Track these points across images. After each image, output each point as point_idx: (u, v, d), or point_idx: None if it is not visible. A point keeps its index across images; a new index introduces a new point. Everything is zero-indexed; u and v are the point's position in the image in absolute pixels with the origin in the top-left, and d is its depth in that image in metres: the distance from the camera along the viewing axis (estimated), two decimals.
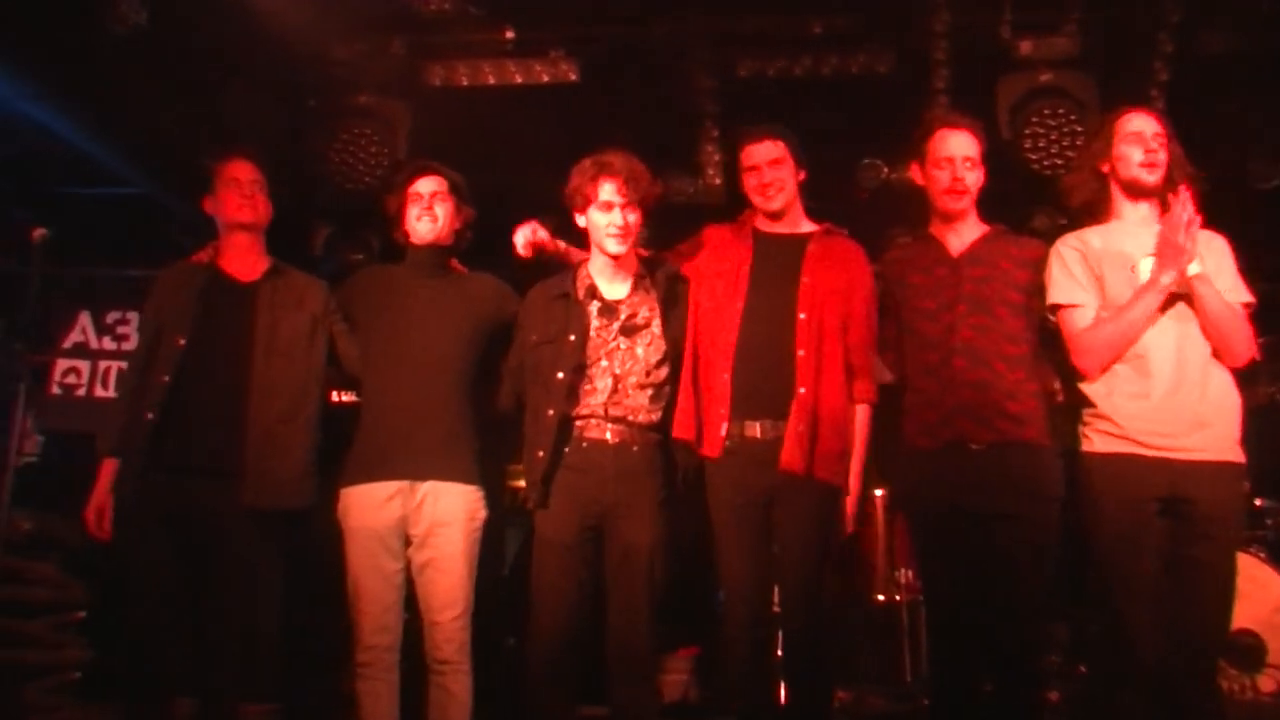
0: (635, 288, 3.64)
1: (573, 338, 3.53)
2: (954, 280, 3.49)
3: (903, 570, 4.72)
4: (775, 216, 3.62)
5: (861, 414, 3.54)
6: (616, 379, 3.53)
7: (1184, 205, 3.20)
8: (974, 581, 3.33)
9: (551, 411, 3.50)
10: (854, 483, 3.50)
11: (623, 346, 3.56)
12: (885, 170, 5.34)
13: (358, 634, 3.59)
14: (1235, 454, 3.22)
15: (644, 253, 3.74)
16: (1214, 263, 3.30)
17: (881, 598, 4.73)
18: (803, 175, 3.64)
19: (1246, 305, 3.31)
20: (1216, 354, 3.25)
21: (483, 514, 3.68)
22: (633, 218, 3.55)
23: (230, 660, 3.56)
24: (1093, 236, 3.42)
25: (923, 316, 3.52)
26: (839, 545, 3.60)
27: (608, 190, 3.51)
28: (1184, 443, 3.16)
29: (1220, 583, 3.18)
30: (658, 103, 5.18)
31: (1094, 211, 3.47)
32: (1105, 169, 3.40)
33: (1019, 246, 3.56)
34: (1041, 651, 3.52)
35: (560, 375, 3.51)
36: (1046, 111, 5.02)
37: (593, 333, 3.56)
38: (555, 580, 3.46)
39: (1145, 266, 3.29)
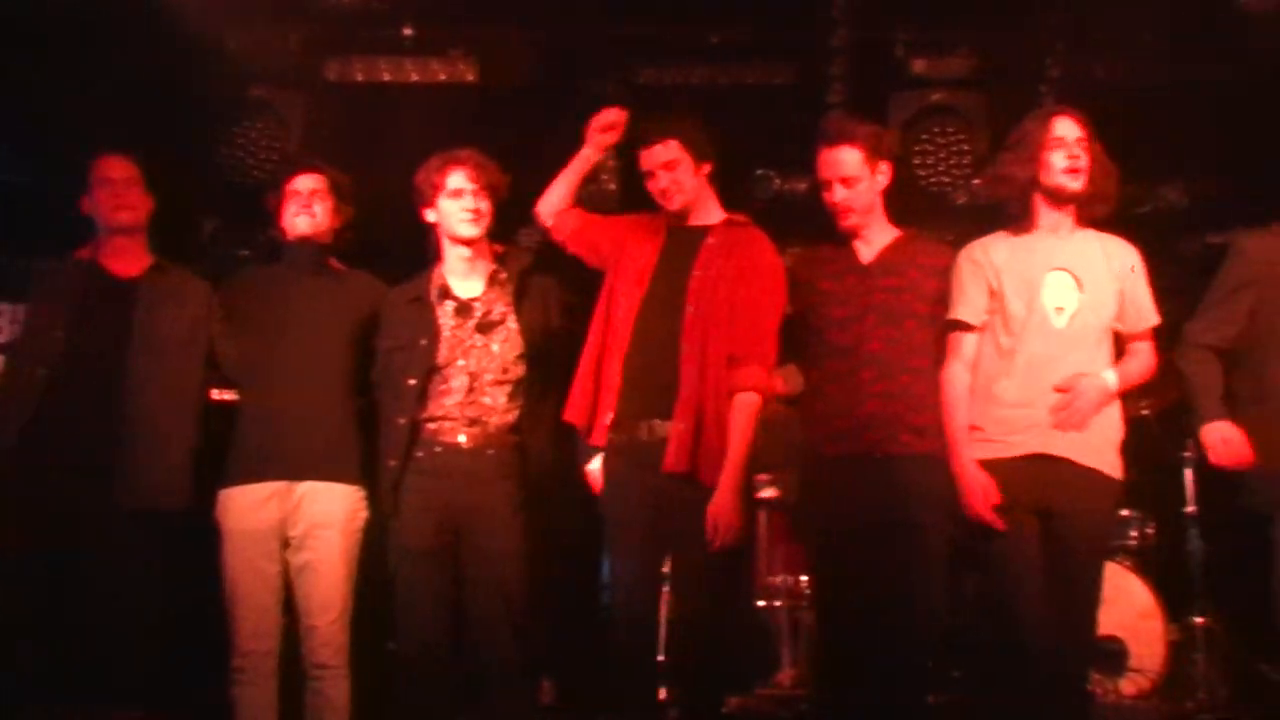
0: (490, 284, 3.62)
1: (424, 342, 3.51)
2: (864, 289, 3.46)
3: (784, 575, 4.76)
4: (680, 216, 3.57)
5: (742, 403, 3.34)
6: (473, 377, 3.50)
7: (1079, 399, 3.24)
8: (867, 589, 3.34)
9: (403, 420, 3.47)
10: (726, 478, 3.30)
11: (479, 344, 3.54)
12: (777, 182, 5.41)
13: (234, 639, 3.52)
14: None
15: (498, 248, 3.73)
16: (1130, 283, 3.36)
17: (762, 603, 4.77)
18: (707, 167, 3.55)
19: (1153, 329, 3.39)
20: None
21: (364, 515, 3.62)
22: (484, 204, 3.55)
23: (98, 665, 3.46)
24: (998, 248, 3.41)
25: (833, 325, 3.49)
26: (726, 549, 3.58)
27: (457, 178, 3.52)
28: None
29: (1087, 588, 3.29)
30: (555, 106, 5.18)
31: (1012, 218, 3.46)
32: (1028, 174, 3.36)
33: (929, 254, 3.53)
34: (928, 659, 3.53)
35: (412, 382, 3.48)
36: (936, 129, 5.15)
37: (448, 333, 3.53)
38: (415, 590, 3.44)
39: (1050, 282, 3.31)
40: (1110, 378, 3.27)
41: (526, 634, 3.49)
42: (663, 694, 3.75)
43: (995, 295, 3.35)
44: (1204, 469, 4.85)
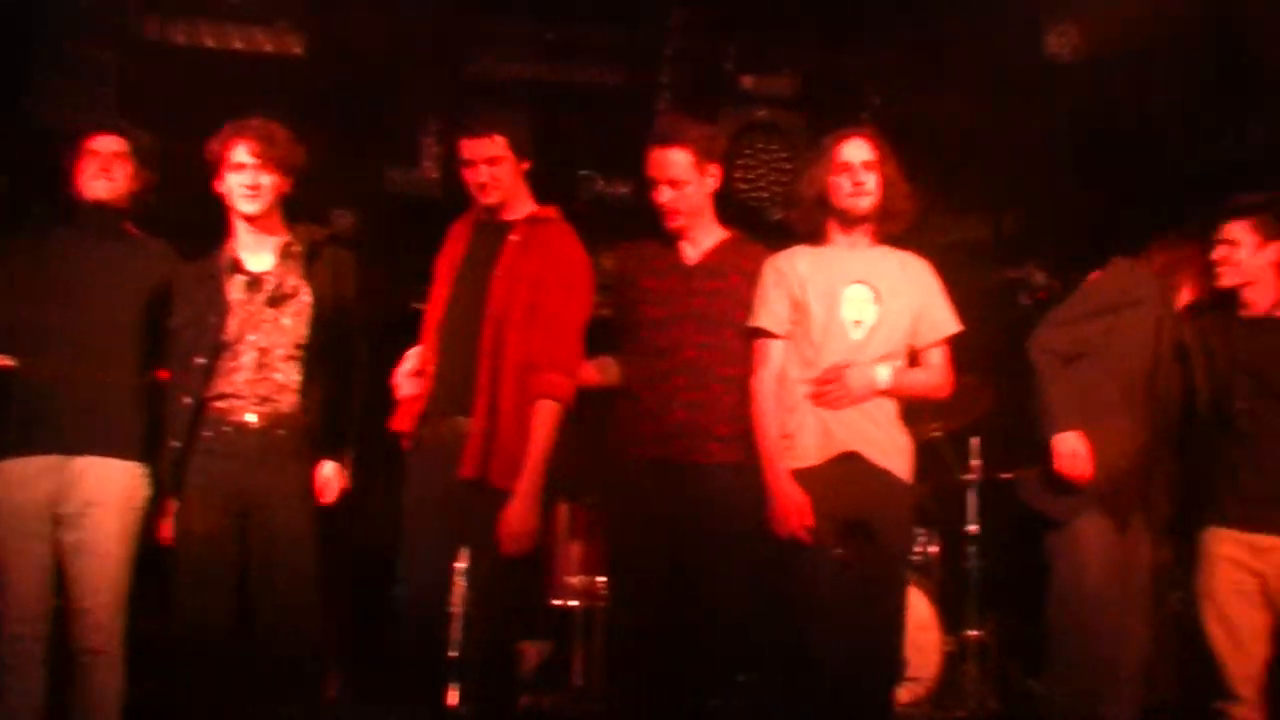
0: (282, 257, 3.52)
1: (213, 319, 3.40)
2: (685, 291, 3.47)
3: (581, 575, 4.79)
4: (491, 212, 3.52)
5: (541, 410, 3.28)
6: (263, 352, 3.41)
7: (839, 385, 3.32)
8: (664, 594, 3.36)
9: (188, 399, 3.36)
10: (521, 486, 3.24)
11: (269, 319, 3.44)
12: (601, 183, 5.44)
13: (1, 623, 3.33)
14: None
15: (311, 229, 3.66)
16: (923, 298, 3.46)
17: (558, 603, 4.78)
18: (526, 165, 3.52)
19: (951, 337, 3.49)
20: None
21: (144, 494, 3.46)
22: (266, 179, 3.45)
23: None
24: (802, 259, 3.46)
25: (651, 325, 3.49)
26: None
27: (240, 151, 3.42)
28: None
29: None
30: (381, 90, 5.09)
31: (812, 234, 3.52)
32: (815, 195, 3.44)
33: (752, 258, 3.52)
34: (719, 664, 3.57)
35: (200, 360, 3.38)
36: (760, 145, 5.26)
37: (237, 308, 3.43)
38: (195, 574, 3.33)
39: (849, 295, 3.40)
40: (882, 373, 3.35)
41: (314, 622, 3.40)
42: (454, 693, 3.71)
43: (798, 306, 3.41)
44: (986, 489, 5.12)
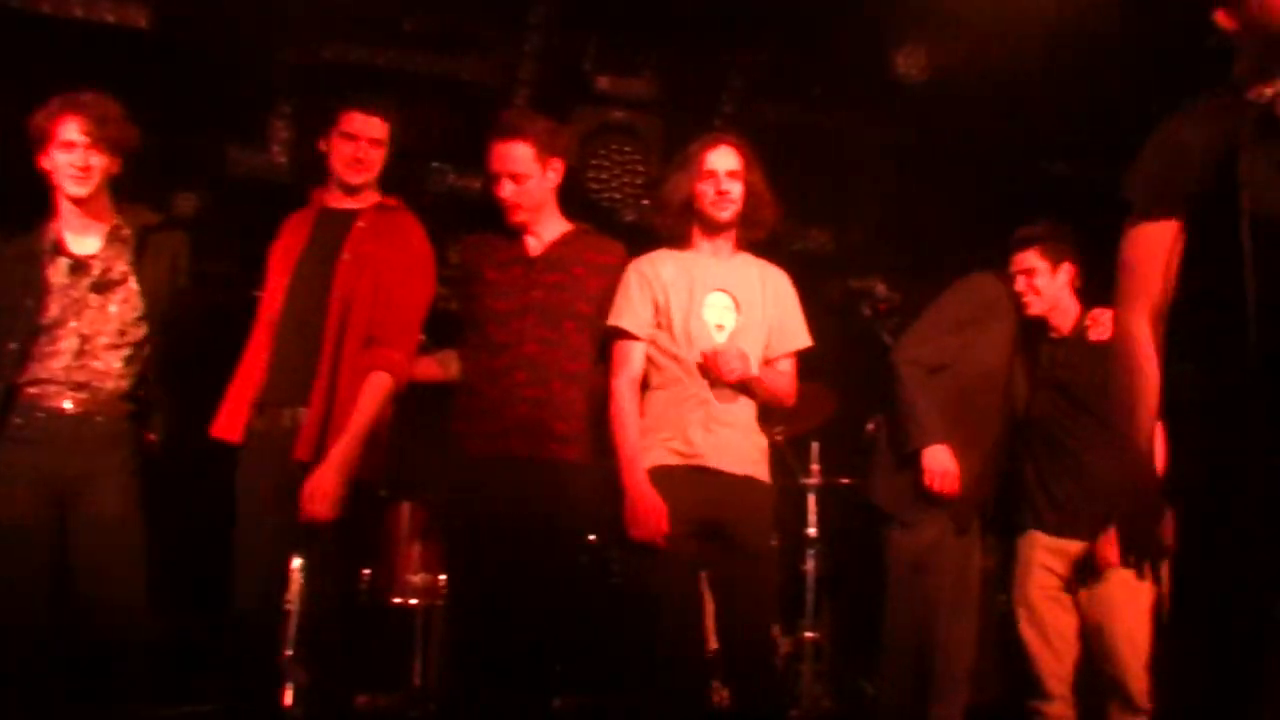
0: (109, 241, 3.39)
1: (30, 302, 3.25)
2: (527, 284, 3.42)
3: (423, 573, 4.72)
4: (351, 191, 3.45)
5: (372, 382, 3.23)
6: (84, 339, 3.27)
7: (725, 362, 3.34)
8: (501, 593, 3.31)
9: None
10: (335, 450, 3.15)
11: (94, 305, 3.31)
12: (452, 176, 5.38)
13: None
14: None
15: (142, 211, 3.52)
16: (779, 309, 3.51)
17: (398, 600, 4.71)
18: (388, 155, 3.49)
19: (801, 351, 3.55)
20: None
21: None
22: (96, 160, 3.31)
23: None
24: (666, 263, 3.47)
25: (493, 318, 3.43)
26: (360, 542, 3.47)
27: (70, 129, 3.27)
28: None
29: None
30: (231, 70, 4.92)
31: (675, 239, 3.53)
32: (680, 200, 3.46)
33: (598, 250, 3.52)
34: (557, 664, 3.56)
35: (12, 346, 3.21)
36: (614, 147, 5.27)
37: (59, 292, 3.29)
38: (10, 570, 3.17)
39: (711, 301, 3.43)
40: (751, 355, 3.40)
41: (140, 610, 3.27)
42: (289, 693, 3.61)
43: (660, 310, 3.42)
44: (824, 494, 5.24)
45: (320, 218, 3.46)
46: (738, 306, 3.45)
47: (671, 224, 3.52)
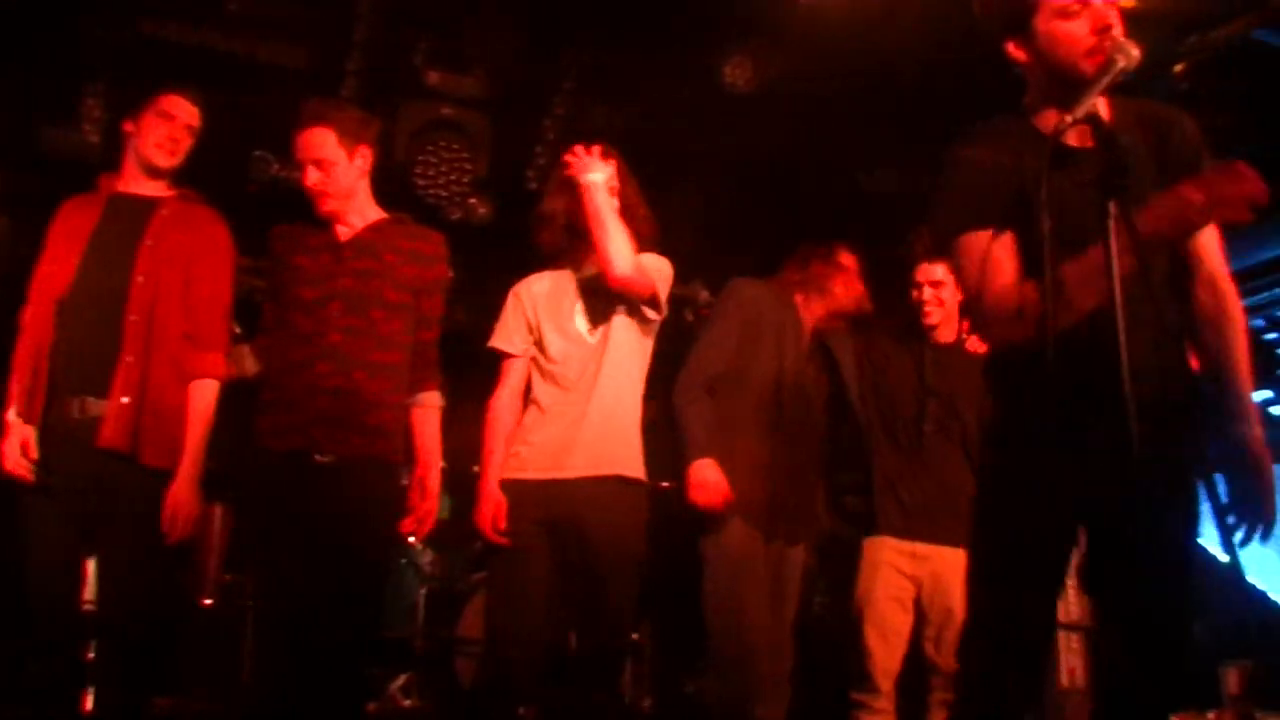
0: None
1: None
2: (334, 271, 3.30)
3: (232, 576, 4.60)
4: (155, 174, 3.33)
5: (201, 390, 3.27)
6: None
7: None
8: (302, 594, 3.17)
9: None
10: (185, 466, 3.19)
11: None
12: (276, 166, 5.24)
13: None
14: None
15: None
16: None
17: (210, 602, 4.57)
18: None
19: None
20: None
21: None
22: None
23: None
24: (541, 282, 3.51)
25: (298, 307, 3.29)
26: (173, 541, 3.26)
27: None
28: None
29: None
30: (43, 44, 4.68)
31: (555, 256, 3.53)
32: (563, 215, 3.46)
33: (412, 238, 3.41)
34: (362, 666, 3.48)
35: None
36: (442, 144, 5.23)
37: None
38: None
39: (577, 313, 3.44)
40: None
41: None
42: (89, 697, 3.44)
43: (533, 329, 3.47)
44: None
45: (113, 203, 3.32)
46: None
47: (550, 240, 3.52)
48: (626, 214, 3.42)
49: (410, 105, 5.23)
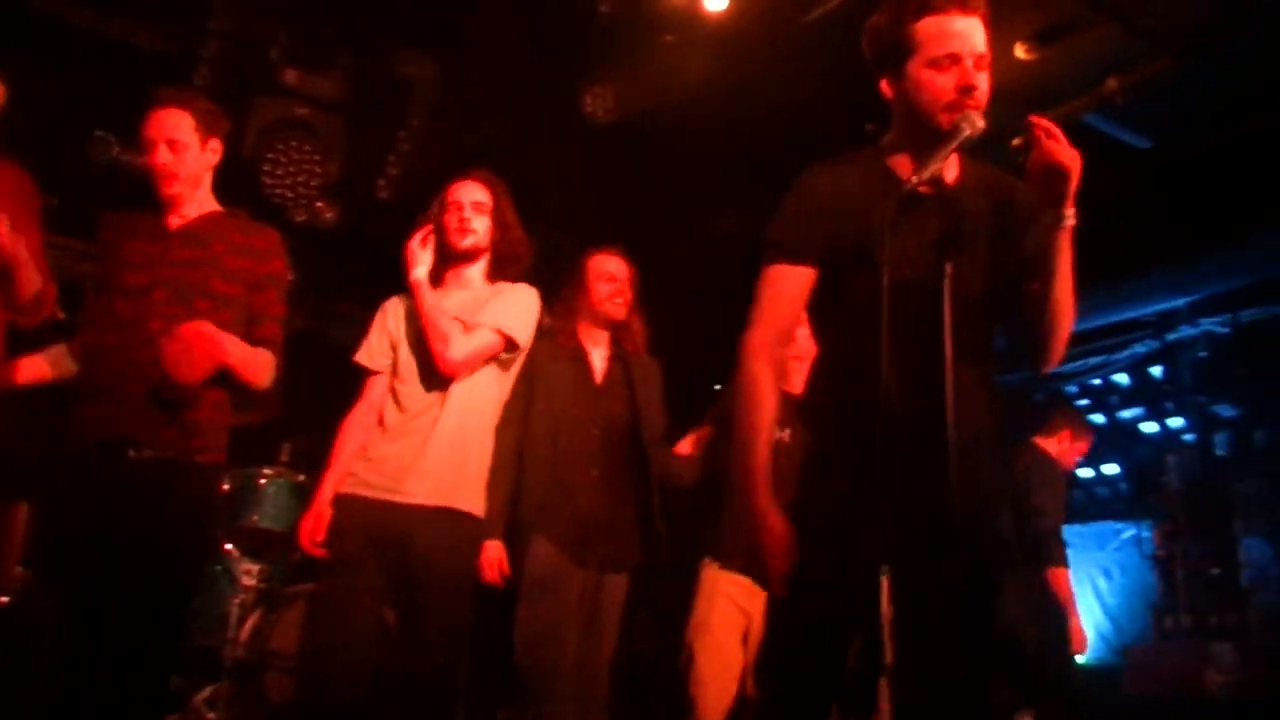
0: None
1: None
2: (160, 258, 3.16)
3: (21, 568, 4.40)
4: None
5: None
6: None
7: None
8: (107, 588, 2.99)
9: None
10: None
11: None
12: (117, 149, 5.03)
13: None
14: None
15: None
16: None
17: (5, 600, 4.34)
18: None
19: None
20: None
21: None
22: None
23: None
24: (404, 301, 3.52)
25: (121, 293, 3.13)
26: None
27: None
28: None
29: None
30: None
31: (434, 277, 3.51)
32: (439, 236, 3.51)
33: (245, 232, 3.28)
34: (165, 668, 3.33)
35: None
36: (294, 144, 5.12)
37: None
38: None
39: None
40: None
41: None
42: None
43: (395, 346, 3.48)
44: None
45: None
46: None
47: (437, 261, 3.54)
48: (502, 234, 3.52)
49: (263, 101, 5.11)
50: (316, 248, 5.94)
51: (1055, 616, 4.88)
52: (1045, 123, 2.18)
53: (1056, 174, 2.17)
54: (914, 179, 2.19)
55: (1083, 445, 5.28)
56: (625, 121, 5.25)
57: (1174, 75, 5.00)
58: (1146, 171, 5.75)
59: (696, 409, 4.29)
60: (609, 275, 4.08)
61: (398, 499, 3.28)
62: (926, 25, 2.30)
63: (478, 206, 3.53)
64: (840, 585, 2.24)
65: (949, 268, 2.12)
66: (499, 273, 3.59)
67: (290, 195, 5.28)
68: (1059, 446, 5.21)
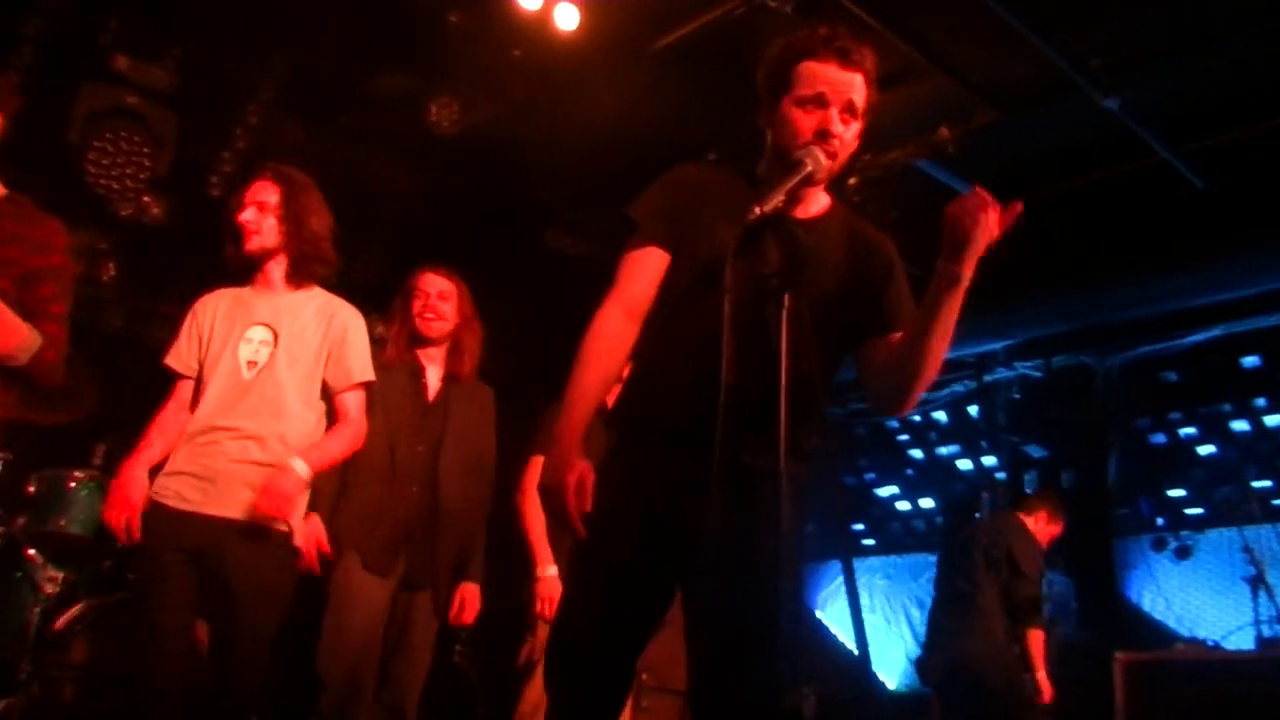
0: None
1: None
2: None
3: None
4: None
5: None
6: None
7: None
8: None
9: None
10: None
11: None
12: None
13: None
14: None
15: None
16: (332, 344, 3.39)
17: None
18: None
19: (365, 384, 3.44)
20: None
21: None
22: None
23: None
24: (223, 300, 3.38)
25: None
26: None
27: None
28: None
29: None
30: None
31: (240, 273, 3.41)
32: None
33: (18, 220, 2.99)
34: None
35: None
36: (123, 133, 4.91)
37: None
38: None
39: (250, 336, 3.31)
40: (299, 466, 3.25)
41: None
42: None
43: (204, 345, 3.33)
44: None
45: None
46: (275, 341, 3.34)
47: (235, 258, 3.41)
48: (296, 232, 3.36)
49: (92, 86, 4.88)
50: (142, 244, 5.72)
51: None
52: (986, 196, 2.24)
53: (970, 238, 2.23)
54: (757, 209, 2.23)
55: (1056, 529, 5.65)
56: (470, 134, 5.21)
57: (1002, 129, 5.25)
58: None
59: (526, 431, 4.24)
60: (429, 293, 3.99)
61: (208, 511, 3.16)
62: (806, 68, 2.38)
63: (263, 207, 3.38)
64: (636, 532, 2.33)
65: (788, 300, 2.16)
66: (300, 273, 3.43)
67: (116, 187, 5.06)
68: (1036, 525, 5.59)
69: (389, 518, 3.77)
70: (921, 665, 5.65)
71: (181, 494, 3.18)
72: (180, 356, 3.37)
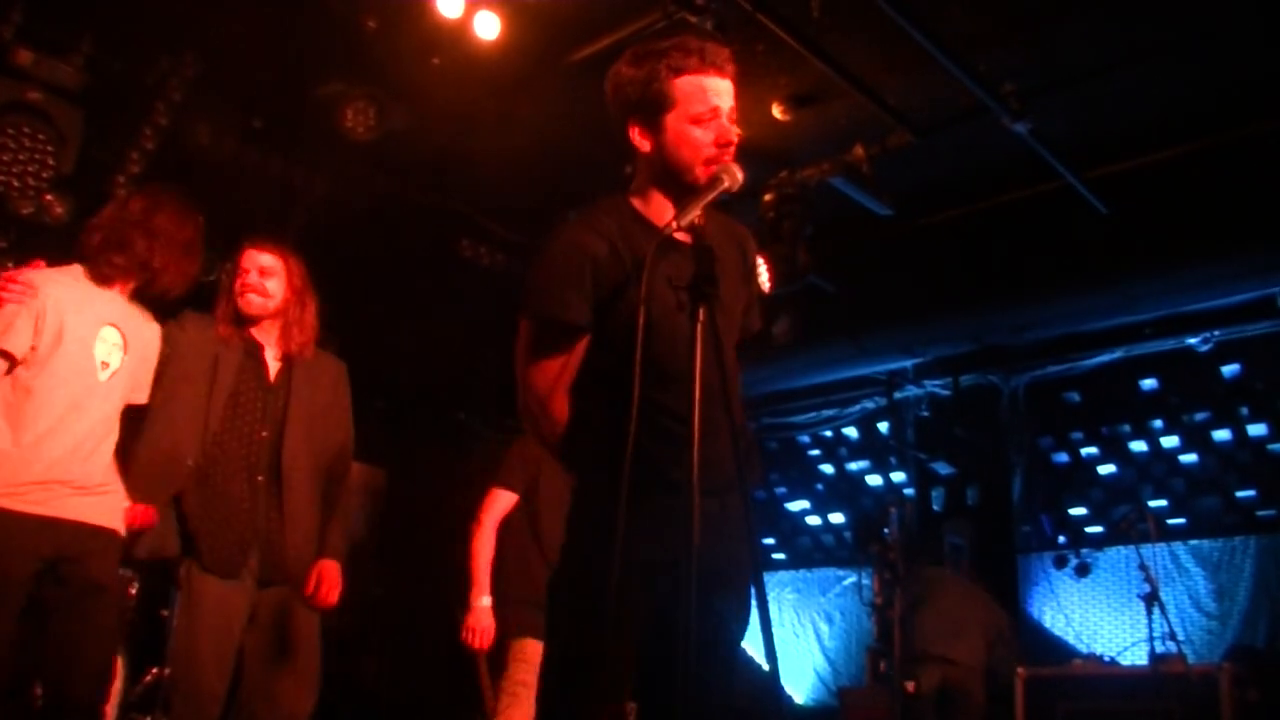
0: None
1: None
2: None
3: None
4: None
5: None
6: None
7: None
8: None
9: None
10: None
11: None
12: None
13: None
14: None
15: None
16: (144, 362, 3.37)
17: None
18: None
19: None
20: None
21: None
22: None
23: None
24: (74, 285, 3.24)
25: None
26: None
27: None
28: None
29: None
30: None
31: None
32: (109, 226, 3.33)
33: None
34: None
35: None
36: (26, 130, 4.76)
37: None
38: None
39: (104, 336, 3.23)
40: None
41: None
42: None
43: (40, 333, 3.13)
44: None
45: None
46: (125, 346, 3.29)
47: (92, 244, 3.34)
48: (149, 244, 3.31)
49: None
50: (42, 244, 5.55)
51: None
52: None
53: None
54: (674, 224, 2.23)
55: None
56: (385, 140, 5.15)
57: (915, 150, 5.35)
58: (887, 238, 6.10)
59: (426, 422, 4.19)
60: (248, 269, 3.63)
61: (56, 514, 3.10)
62: (685, 83, 2.37)
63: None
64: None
65: (702, 312, 2.16)
66: (147, 285, 3.38)
67: (17, 185, 4.89)
68: None
69: (234, 509, 3.51)
70: None
71: (25, 497, 3.08)
72: (19, 340, 3.13)
